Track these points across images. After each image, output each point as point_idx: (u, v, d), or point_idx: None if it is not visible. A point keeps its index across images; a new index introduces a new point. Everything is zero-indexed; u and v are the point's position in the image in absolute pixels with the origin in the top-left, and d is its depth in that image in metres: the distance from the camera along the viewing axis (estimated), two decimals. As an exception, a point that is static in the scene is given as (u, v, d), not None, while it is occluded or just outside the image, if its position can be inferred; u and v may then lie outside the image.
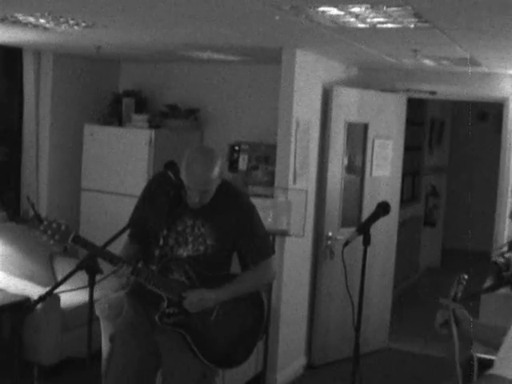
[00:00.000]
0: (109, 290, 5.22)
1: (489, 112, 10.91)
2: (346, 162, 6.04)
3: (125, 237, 3.43)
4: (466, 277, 2.89)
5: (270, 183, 5.77)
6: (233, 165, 6.42)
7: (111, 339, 3.51)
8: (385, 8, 3.35)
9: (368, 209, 5.72)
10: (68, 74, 6.62)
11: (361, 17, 3.62)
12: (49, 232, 3.10)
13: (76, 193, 6.62)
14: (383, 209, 3.80)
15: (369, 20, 3.70)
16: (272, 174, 5.68)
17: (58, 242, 3.12)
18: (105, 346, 4.78)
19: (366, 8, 3.39)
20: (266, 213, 4.98)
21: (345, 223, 6.00)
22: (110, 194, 6.38)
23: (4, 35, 5.23)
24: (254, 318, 3.47)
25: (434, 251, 10.29)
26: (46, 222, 3.10)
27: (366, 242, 3.69)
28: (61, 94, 6.55)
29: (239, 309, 3.41)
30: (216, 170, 3.19)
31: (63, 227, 3.12)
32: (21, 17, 4.26)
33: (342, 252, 3.67)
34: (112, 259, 3.16)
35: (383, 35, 4.22)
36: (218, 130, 6.76)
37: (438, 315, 2.87)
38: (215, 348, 3.35)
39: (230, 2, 3.46)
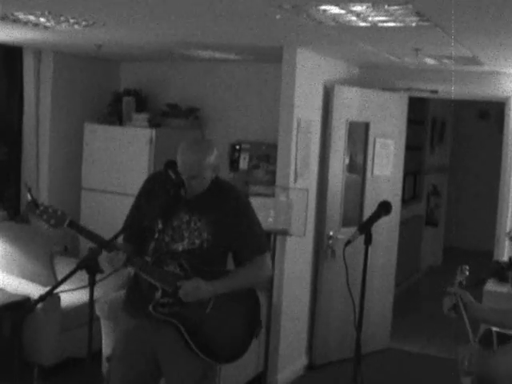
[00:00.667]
0: (109, 289, 5.21)
1: (490, 111, 10.89)
2: (347, 161, 6.03)
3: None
4: (467, 267, 3.07)
5: (271, 182, 5.77)
6: (234, 164, 6.41)
7: (108, 360, 3.50)
8: (386, 7, 3.34)
9: (369, 208, 5.70)
10: (68, 73, 6.60)
11: (362, 15, 3.61)
12: (45, 216, 3.18)
13: (76, 192, 6.61)
14: (384, 208, 3.79)
15: (370, 19, 3.69)
16: (273, 174, 5.67)
17: (53, 226, 3.20)
18: (105, 346, 4.77)
19: (368, 7, 3.38)
20: (267, 212, 4.98)
21: (346, 223, 5.99)
22: (111, 193, 6.37)
23: (4, 34, 5.22)
24: (249, 313, 3.46)
25: (435, 250, 10.28)
26: (42, 207, 3.19)
27: (368, 241, 3.68)
28: (61, 93, 6.53)
29: (234, 304, 3.40)
30: (208, 158, 3.24)
31: (59, 212, 3.20)
32: (21, 15, 4.25)
33: (344, 251, 3.67)
34: (107, 246, 3.15)
35: (384, 34, 4.21)
36: (219, 129, 6.74)
37: (445, 300, 3.01)
38: (210, 341, 3.33)
39: (230, 1, 3.45)
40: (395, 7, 3.33)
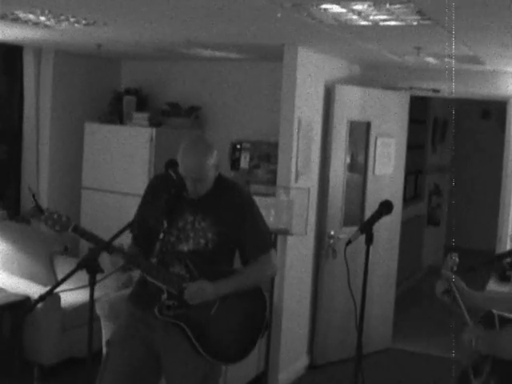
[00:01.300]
0: (110, 289, 5.20)
1: (492, 110, 10.88)
2: (348, 160, 6.02)
3: (126, 235, 3.42)
4: (456, 254, 3.11)
5: (272, 182, 5.75)
6: (234, 163, 6.40)
7: (107, 344, 3.49)
8: (387, 5, 3.33)
9: (370, 208, 5.69)
10: (69, 72, 6.60)
11: (363, 14, 3.60)
12: (50, 222, 3.18)
13: (77, 191, 6.60)
14: (386, 208, 3.77)
15: (371, 17, 3.68)
16: (274, 173, 5.66)
17: (58, 231, 3.19)
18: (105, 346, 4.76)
19: (369, 5, 3.37)
20: (268, 211, 4.96)
21: (347, 222, 5.97)
22: (111, 192, 6.36)
23: (4, 33, 5.21)
24: (256, 313, 3.45)
25: (437, 250, 10.26)
26: (46, 213, 3.19)
27: (369, 241, 3.66)
28: (61, 92, 6.52)
29: (240, 304, 3.39)
30: (209, 159, 3.23)
31: (64, 218, 3.19)
32: (21, 14, 4.24)
33: (345, 251, 3.66)
34: (110, 249, 3.16)
35: (386, 33, 4.20)
36: (220, 128, 6.73)
37: (437, 284, 3.05)
38: (216, 342, 3.32)
39: (231, 0, 3.44)
40: (396, 6, 3.32)
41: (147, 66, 7.09)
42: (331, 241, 5.84)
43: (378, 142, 6.15)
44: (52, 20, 4.38)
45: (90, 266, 2.95)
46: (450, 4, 3.18)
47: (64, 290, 3.07)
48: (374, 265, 5.83)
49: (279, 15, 3.71)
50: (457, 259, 3.10)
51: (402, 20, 3.68)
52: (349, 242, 3.65)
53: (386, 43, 4.79)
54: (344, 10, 3.52)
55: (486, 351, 2.74)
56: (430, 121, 9.30)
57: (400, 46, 4.87)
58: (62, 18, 4.28)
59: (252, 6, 3.54)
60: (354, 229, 3.78)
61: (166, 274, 3.27)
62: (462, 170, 11.01)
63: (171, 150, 6.06)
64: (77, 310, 5.33)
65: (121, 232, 3.15)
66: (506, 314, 2.85)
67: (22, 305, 5.10)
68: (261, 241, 3.43)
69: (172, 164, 3.31)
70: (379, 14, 3.57)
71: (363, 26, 3.96)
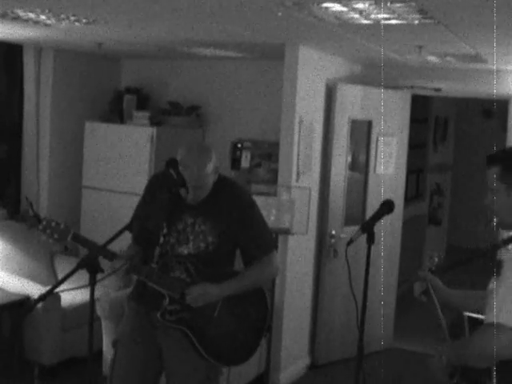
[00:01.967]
0: (110, 289, 5.19)
1: (494, 109, 10.84)
2: (349, 159, 6.01)
3: (126, 235, 3.41)
4: (435, 254, 3.20)
5: (273, 181, 5.74)
6: (235, 162, 6.38)
7: (113, 344, 3.49)
8: (389, 4, 3.32)
9: (372, 207, 5.68)
10: (69, 71, 6.59)
11: (365, 13, 3.58)
12: (48, 231, 3.17)
13: (77, 190, 6.59)
14: (387, 207, 3.75)
15: (373, 16, 3.66)
16: (275, 172, 5.64)
17: (57, 240, 3.19)
18: (106, 346, 4.75)
19: (370, 4, 3.35)
20: (269, 211, 4.95)
21: (348, 221, 5.96)
22: (111, 191, 6.34)
23: (4, 31, 5.20)
24: (258, 314, 3.45)
25: (438, 249, 10.24)
26: (44, 222, 3.18)
27: (370, 240, 3.64)
28: (61, 91, 6.51)
29: (242, 305, 3.39)
30: (209, 166, 3.24)
31: (62, 226, 3.19)
32: (21, 13, 4.23)
33: (346, 251, 3.64)
34: (110, 256, 3.18)
35: (387, 32, 4.18)
36: (220, 127, 6.72)
37: (415, 285, 3.16)
38: (218, 345, 3.32)
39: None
40: (398, 4, 3.31)
41: (148, 64, 7.08)
42: (332, 240, 5.82)
43: (380, 141, 6.14)
44: (52, 19, 4.37)
45: (91, 266, 2.94)
46: (451, 2, 3.17)
47: (64, 290, 3.06)
48: (376, 264, 5.82)
49: (280, 14, 3.69)
50: (436, 259, 3.17)
51: (403, 19, 3.66)
52: (350, 242, 3.63)
53: (388, 42, 4.77)
54: (345, 9, 3.51)
55: (457, 363, 2.77)
56: (431, 120, 9.27)
57: (401, 44, 4.85)
58: (63, 16, 4.26)
59: (253, 4, 3.53)
60: (356, 228, 3.76)
61: (167, 279, 3.26)
62: (464, 169, 10.99)
63: (172, 149, 6.06)
64: (77, 309, 5.32)
65: (117, 235, 3.11)
66: (476, 315, 2.86)
67: (22, 304, 5.09)
68: (262, 242, 3.42)
69: (173, 163, 3.29)
70: (380, 13, 3.56)
71: (364, 25, 3.95)
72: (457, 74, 6.01)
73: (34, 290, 5.25)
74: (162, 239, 3.27)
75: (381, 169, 6.19)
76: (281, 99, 5.34)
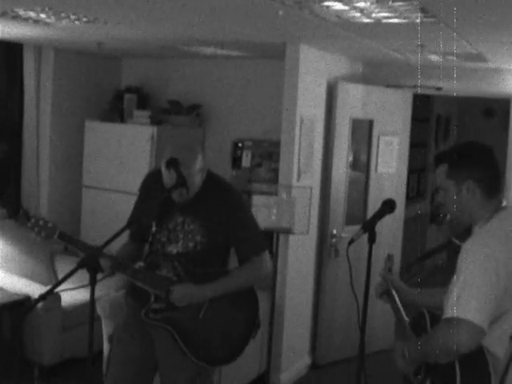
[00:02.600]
0: (110, 288, 5.18)
1: (495, 108, 10.84)
2: (350, 158, 5.99)
3: (127, 235, 3.42)
4: (392, 254, 3.36)
5: (274, 180, 5.73)
6: (236, 162, 6.37)
7: (110, 340, 3.52)
8: (390, 3, 3.31)
9: (373, 206, 5.66)
10: (69, 70, 6.58)
11: (366, 12, 3.57)
12: (36, 229, 3.25)
13: (77, 190, 6.59)
14: (388, 206, 3.74)
15: (374, 15, 3.65)
16: (276, 171, 5.63)
17: (44, 238, 3.27)
18: (106, 345, 4.74)
19: (372, 3, 3.34)
20: (270, 210, 4.94)
21: (350, 221, 5.95)
22: (112, 191, 6.34)
23: (4, 30, 5.19)
24: (246, 315, 3.44)
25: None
26: (33, 220, 3.26)
27: (371, 239, 3.64)
28: (62, 90, 6.51)
29: (230, 305, 3.38)
30: (194, 166, 3.24)
31: (49, 224, 3.26)
32: (21, 12, 4.23)
33: (347, 250, 3.63)
34: (98, 255, 3.14)
35: (389, 30, 4.17)
36: (221, 126, 6.70)
37: (376, 286, 3.22)
38: (203, 346, 3.33)
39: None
40: (399, 3, 3.30)
41: (148, 63, 7.07)
42: (333, 240, 5.81)
43: (381, 140, 6.13)
44: (52, 17, 4.36)
45: (91, 266, 2.94)
46: (453, 1, 3.15)
47: (64, 290, 3.05)
48: (377, 264, 5.80)
49: (281, 12, 3.68)
50: (394, 260, 3.30)
51: (404, 17, 3.65)
52: (351, 241, 3.62)
53: (389, 41, 4.76)
54: (346, 8, 3.50)
55: (421, 359, 2.78)
56: (432, 119, 9.28)
57: (403, 43, 4.84)
58: (63, 15, 4.26)
59: (254, 3, 3.52)
60: (357, 227, 3.75)
61: (153, 277, 3.28)
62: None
63: (172, 149, 6.05)
64: (77, 309, 5.31)
65: (117, 235, 3.11)
66: (436, 312, 2.89)
67: (22, 304, 5.08)
68: (252, 242, 3.41)
69: (173, 162, 3.28)
70: (382, 12, 3.55)
71: (366, 24, 3.94)
72: (458, 73, 5.98)
73: (34, 289, 5.25)
74: (150, 237, 3.31)
75: (382, 168, 6.18)
76: (282, 98, 5.33)
